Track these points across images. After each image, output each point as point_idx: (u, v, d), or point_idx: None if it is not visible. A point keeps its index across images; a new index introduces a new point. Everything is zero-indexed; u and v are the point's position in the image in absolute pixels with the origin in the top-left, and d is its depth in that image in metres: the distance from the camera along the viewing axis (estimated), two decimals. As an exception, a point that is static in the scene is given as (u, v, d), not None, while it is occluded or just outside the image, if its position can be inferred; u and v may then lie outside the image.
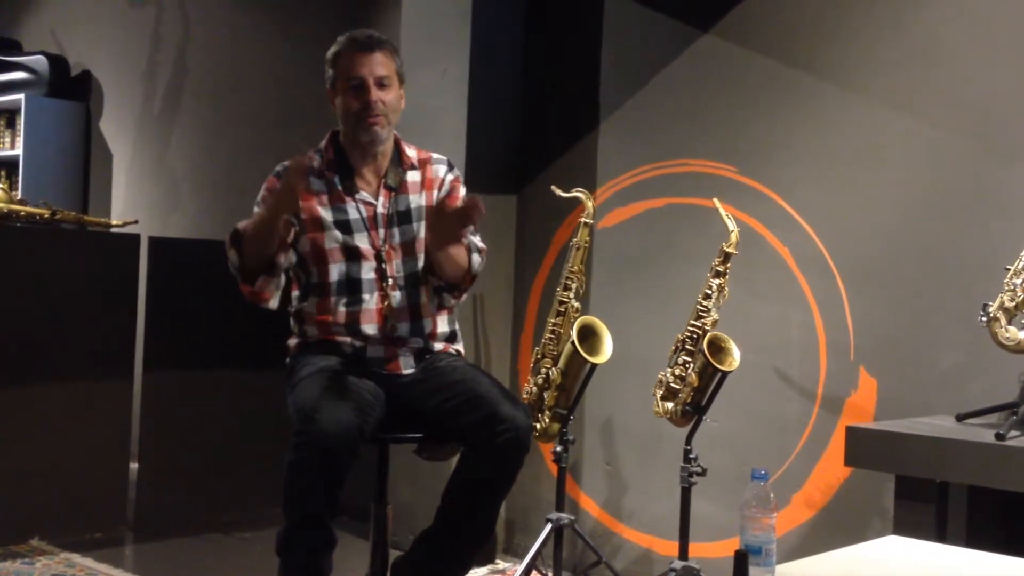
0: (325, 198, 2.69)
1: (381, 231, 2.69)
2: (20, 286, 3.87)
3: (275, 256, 2.57)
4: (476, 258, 2.72)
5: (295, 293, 2.75)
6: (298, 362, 2.65)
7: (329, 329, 2.67)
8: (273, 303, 2.63)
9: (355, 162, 2.73)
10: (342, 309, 2.67)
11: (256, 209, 2.64)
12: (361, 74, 2.65)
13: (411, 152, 2.80)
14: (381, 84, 2.66)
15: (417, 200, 2.75)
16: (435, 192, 2.78)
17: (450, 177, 2.81)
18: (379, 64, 2.66)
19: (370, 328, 2.67)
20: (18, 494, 3.84)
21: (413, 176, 2.77)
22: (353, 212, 2.69)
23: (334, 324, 2.67)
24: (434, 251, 2.61)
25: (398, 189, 2.74)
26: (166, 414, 4.16)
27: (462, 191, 2.82)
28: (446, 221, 2.51)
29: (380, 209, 2.71)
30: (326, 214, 2.67)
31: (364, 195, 2.71)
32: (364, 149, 2.72)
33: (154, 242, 4.23)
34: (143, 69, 5.65)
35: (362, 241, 2.68)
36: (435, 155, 2.84)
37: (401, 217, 2.72)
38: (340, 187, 2.70)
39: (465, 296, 2.78)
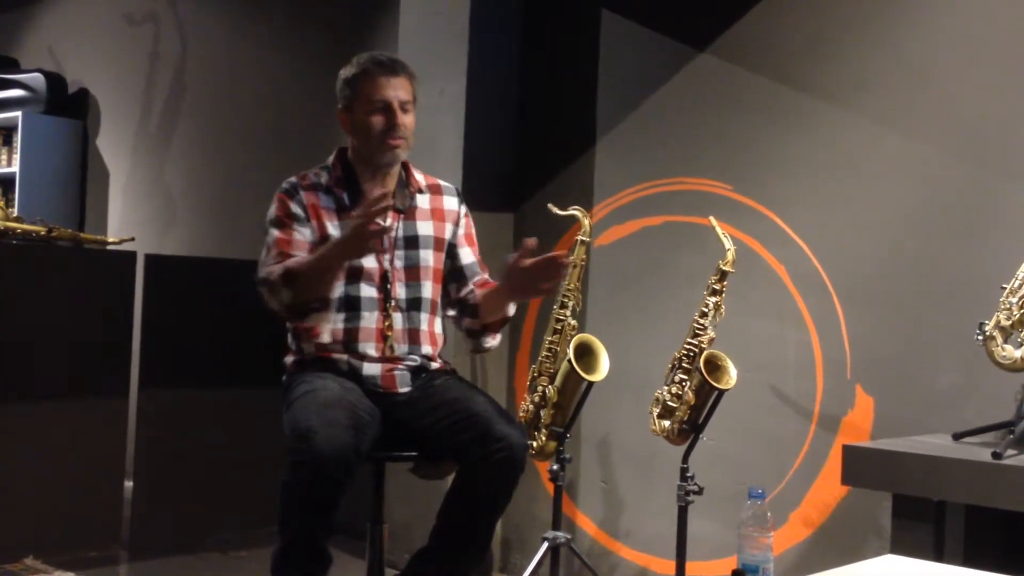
0: (334, 214, 2.69)
1: (388, 253, 2.70)
2: (16, 303, 3.87)
3: (329, 293, 2.61)
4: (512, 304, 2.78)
5: None
6: (294, 380, 2.65)
7: (326, 346, 2.67)
8: (325, 337, 2.65)
9: (363, 181, 2.73)
10: (340, 326, 2.66)
11: (273, 230, 2.63)
12: (387, 96, 2.67)
13: (418, 176, 2.82)
14: (404, 108, 2.69)
15: (426, 228, 2.77)
16: (448, 225, 2.81)
17: (463, 210, 2.86)
18: (403, 88, 2.70)
19: (368, 347, 2.66)
20: (12, 512, 3.82)
21: (422, 202, 2.79)
22: None
23: (331, 341, 2.67)
24: (509, 300, 2.69)
25: (406, 213, 2.75)
26: (161, 432, 4.15)
27: (470, 222, 2.89)
28: (528, 277, 2.57)
29: (389, 232, 2.72)
30: (334, 231, 2.67)
31: None
32: (375, 169, 2.73)
33: (150, 259, 4.23)
34: (140, 87, 5.67)
35: (368, 260, 2.67)
36: (444, 183, 2.87)
37: (408, 242, 2.73)
38: (349, 205, 2.70)
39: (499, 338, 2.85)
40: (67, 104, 5.97)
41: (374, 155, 2.70)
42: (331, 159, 2.78)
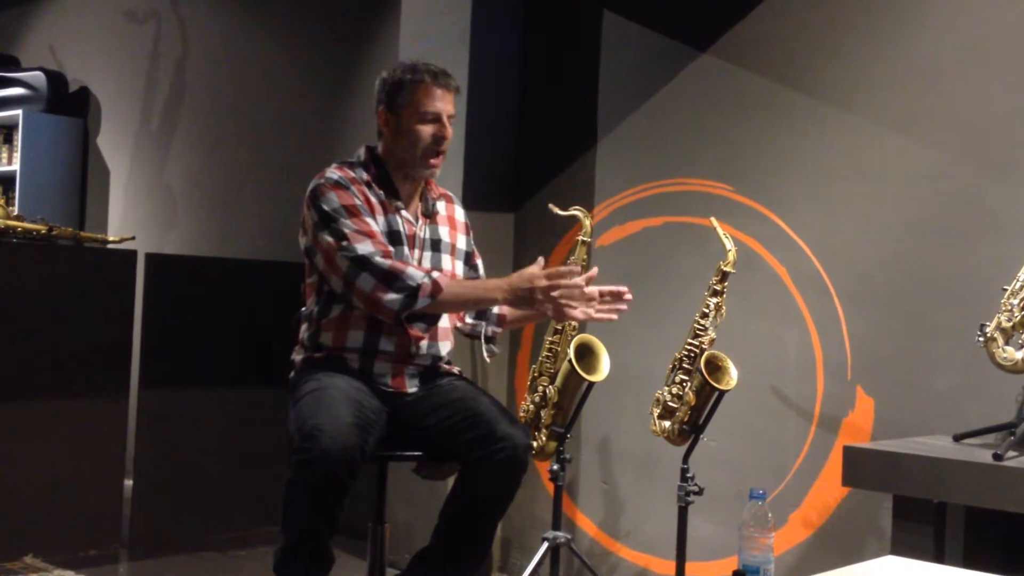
0: (380, 212, 2.70)
1: (416, 251, 2.72)
2: (16, 302, 3.87)
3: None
4: None
5: (311, 299, 2.74)
6: (302, 378, 2.64)
7: (346, 340, 2.66)
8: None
9: (397, 181, 2.75)
10: (366, 319, 2.65)
11: (344, 220, 2.58)
12: (439, 109, 2.69)
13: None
14: (450, 121, 2.72)
15: (446, 235, 2.81)
16: (461, 235, 2.86)
17: (468, 222, 2.93)
18: (451, 102, 2.73)
19: (388, 343, 2.66)
20: (12, 511, 3.82)
21: (441, 208, 2.83)
22: (400, 226, 2.71)
23: (352, 333, 2.66)
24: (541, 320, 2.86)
25: (431, 217, 2.79)
26: (161, 431, 4.15)
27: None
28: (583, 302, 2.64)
29: (418, 232, 2.74)
30: (382, 224, 2.68)
31: (407, 214, 2.74)
32: (407, 172, 2.75)
33: (151, 258, 4.23)
34: (141, 86, 5.67)
35: (397, 258, 2.68)
36: (449, 192, 2.92)
37: (433, 244, 2.77)
38: (387, 200, 2.72)
39: None
40: (68, 102, 5.97)
41: (413, 164, 2.72)
42: (362, 156, 2.77)
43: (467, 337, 2.93)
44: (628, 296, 2.68)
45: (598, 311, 2.63)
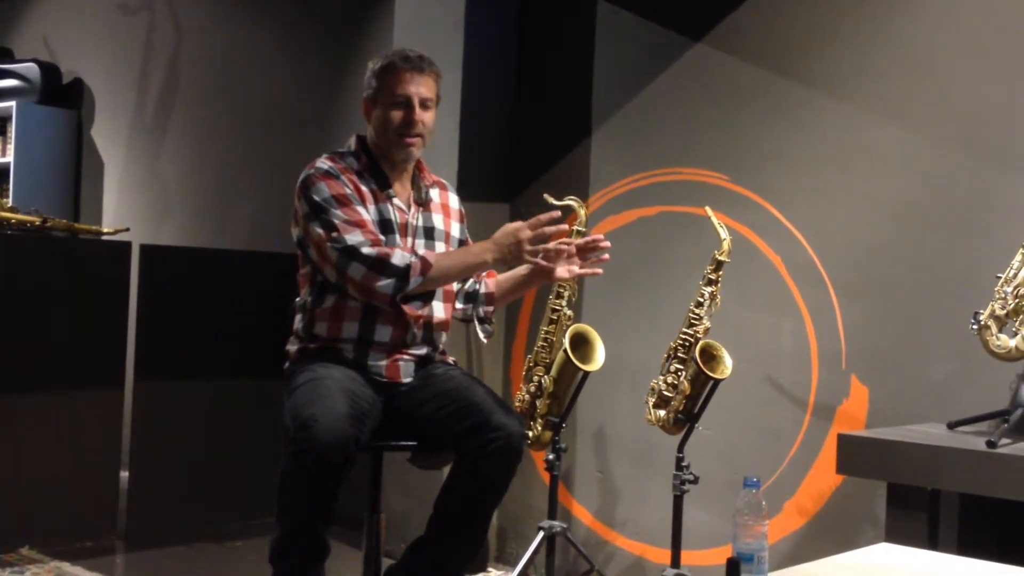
0: (372, 200, 2.70)
1: (409, 239, 2.72)
2: (10, 294, 3.86)
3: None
4: None
5: (304, 290, 2.74)
6: (296, 368, 2.64)
7: (340, 329, 2.66)
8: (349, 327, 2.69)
9: (386, 169, 2.75)
10: (361, 309, 2.65)
11: (335, 210, 2.58)
12: (408, 92, 2.68)
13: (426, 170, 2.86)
14: (424, 105, 2.70)
15: (440, 222, 2.80)
16: (455, 223, 2.85)
17: (462, 209, 2.92)
18: (426, 86, 2.71)
19: (383, 333, 2.66)
20: (8, 502, 3.82)
21: (434, 196, 2.83)
22: (392, 214, 2.71)
23: (347, 323, 2.66)
24: (528, 287, 2.89)
25: (424, 205, 2.78)
26: (157, 423, 4.15)
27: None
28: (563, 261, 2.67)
29: (410, 219, 2.73)
30: (373, 213, 2.68)
31: (398, 202, 2.73)
32: (391, 159, 2.75)
33: (145, 250, 4.23)
34: (135, 77, 5.66)
35: (395, 244, 2.68)
36: (443, 180, 2.92)
37: (426, 232, 2.76)
38: (378, 189, 2.72)
39: None
40: (61, 94, 5.96)
41: (389, 150, 2.72)
42: (353, 146, 2.77)
43: (461, 322, 2.93)
44: (606, 243, 2.68)
45: (581, 267, 2.67)
